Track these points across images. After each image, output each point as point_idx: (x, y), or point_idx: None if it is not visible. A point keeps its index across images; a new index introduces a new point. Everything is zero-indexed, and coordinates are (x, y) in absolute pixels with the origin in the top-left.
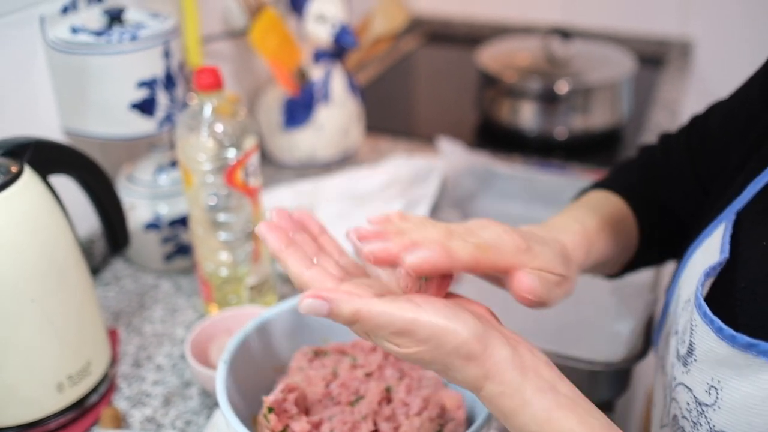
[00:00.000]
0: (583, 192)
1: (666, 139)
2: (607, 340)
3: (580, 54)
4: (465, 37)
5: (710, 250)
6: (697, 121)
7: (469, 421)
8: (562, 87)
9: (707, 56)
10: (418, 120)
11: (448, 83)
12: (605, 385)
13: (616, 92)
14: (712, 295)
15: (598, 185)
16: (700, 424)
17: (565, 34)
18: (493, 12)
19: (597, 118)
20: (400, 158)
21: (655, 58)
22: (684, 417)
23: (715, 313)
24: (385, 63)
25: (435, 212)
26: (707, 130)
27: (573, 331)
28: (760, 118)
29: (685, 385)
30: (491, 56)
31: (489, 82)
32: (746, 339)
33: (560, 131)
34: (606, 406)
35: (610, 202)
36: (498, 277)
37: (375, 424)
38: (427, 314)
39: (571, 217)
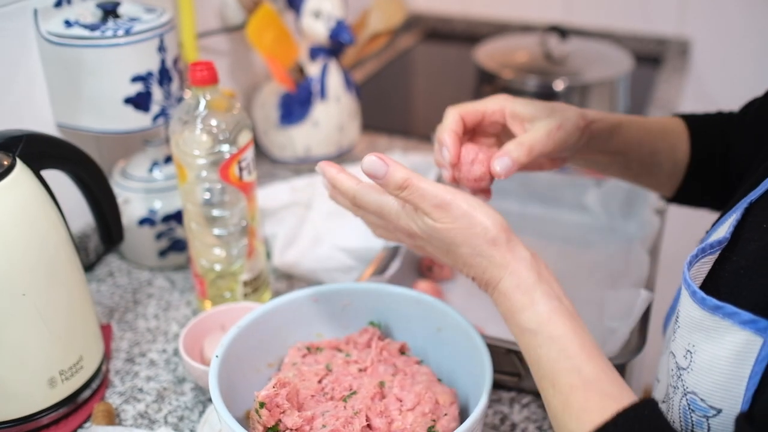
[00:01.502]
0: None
1: (750, 104)
2: (602, 337)
3: (577, 52)
4: (463, 34)
5: (718, 235)
6: (749, 105)
7: (463, 416)
8: (560, 85)
9: (704, 56)
10: (415, 117)
11: (446, 81)
12: None
13: (613, 90)
14: (712, 271)
15: (679, 114)
16: (677, 388)
17: (562, 32)
18: (491, 10)
19: None
20: (396, 155)
21: (652, 57)
22: (670, 384)
23: (708, 286)
24: (382, 60)
25: None
26: (745, 119)
27: None
28: None
29: (672, 352)
30: (489, 54)
31: (486, 79)
32: (714, 301)
33: None
34: None
35: (664, 118)
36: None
37: (368, 419)
38: (464, 199)
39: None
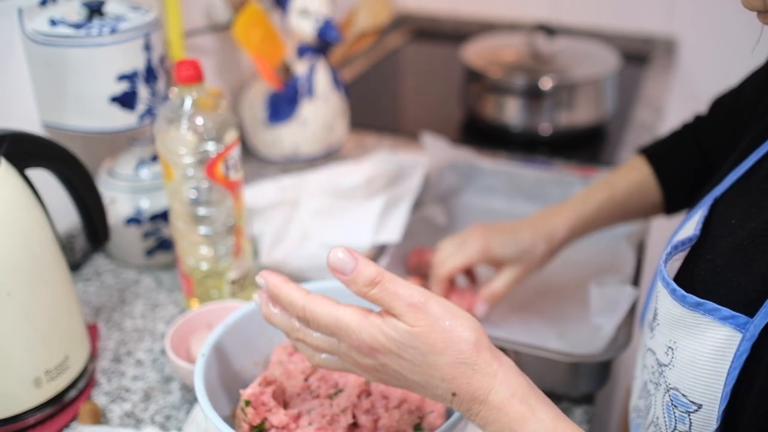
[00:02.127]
0: (639, 151)
1: (715, 102)
2: (588, 334)
3: (564, 50)
4: (451, 33)
5: (688, 229)
6: (714, 104)
7: (449, 412)
8: (547, 83)
9: (692, 54)
10: (403, 116)
11: (434, 79)
12: (586, 377)
13: (601, 89)
14: (684, 267)
15: (645, 149)
16: (660, 385)
17: (550, 30)
18: (479, 9)
19: (581, 114)
20: (383, 154)
21: (639, 56)
22: (650, 381)
23: (681, 283)
24: (371, 59)
25: (418, 207)
26: (717, 116)
27: (555, 325)
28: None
29: (651, 350)
30: (476, 52)
31: (474, 78)
32: (694, 299)
33: (544, 127)
34: (587, 399)
35: (631, 173)
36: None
37: (354, 416)
38: (438, 299)
39: (580, 196)
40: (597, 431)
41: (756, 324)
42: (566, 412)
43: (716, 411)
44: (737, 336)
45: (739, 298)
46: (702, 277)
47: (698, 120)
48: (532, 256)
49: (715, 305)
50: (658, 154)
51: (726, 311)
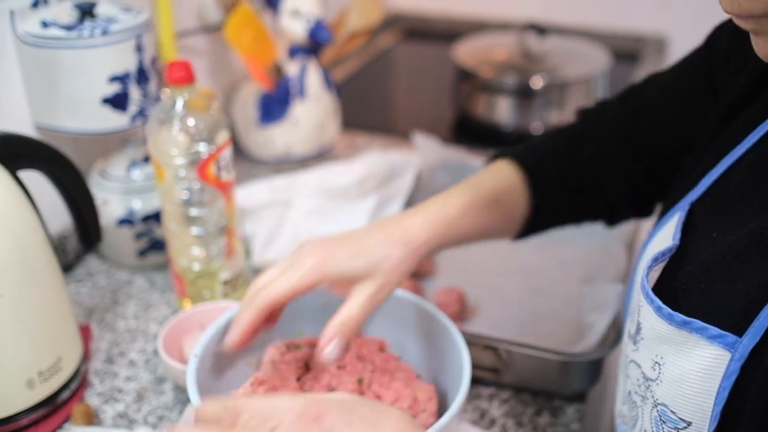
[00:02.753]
0: (492, 157)
1: (602, 105)
2: (579, 332)
3: (555, 50)
4: (442, 33)
5: (665, 237)
6: (632, 92)
7: (441, 411)
8: (538, 82)
9: (682, 53)
10: (395, 116)
11: (425, 79)
12: (577, 376)
13: (591, 87)
14: (663, 278)
15: (507, 153)
16: (647, 398)
17: (540, 29)
18: (470, 8)
19: (572, 113)
20: (375, 154)
21: (630, 54)
22: (636, 392)
23: (662, 295)
24: (362, 59)
25: (410, 207)
26: (642, 103)
27: (546, 324)
28: (706, 99)
29: (635, 362)
30: (467, 52)
31: (465, 77)
32: (681, 317)
33: (536, 126)
34: (578, 398)
35: (496, 177)
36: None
37: None
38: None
39: (441, 197)
40: (589, 429)
41: (744, 344)
42: (558, 410)
43: (706, 430)
44: (726, 355)
45: (726, 316)
46: (684, 291)
47: (583, 127)
48: (387, 266)
49: (702, 324)
50: (528, 159)
51: (714, 330)
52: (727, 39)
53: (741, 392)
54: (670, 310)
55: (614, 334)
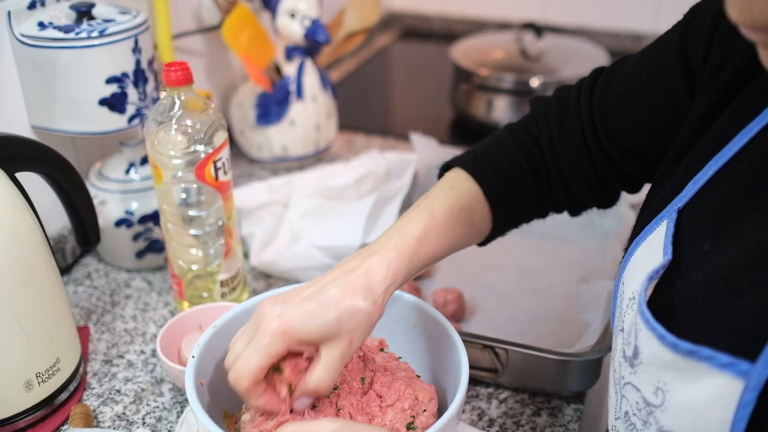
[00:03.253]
0: (444, 169)
1: (563, 96)
2: (577, 332)
3: (553, 49)
4: (440, 32)
5: (652, 247)
6: (599, 82)
7: (441, 411)
8: (536, 82)
9: None
10: (392, 116)
11: (423, 79)
12: (576, 376)
13: None
14: (655, 295)
15: (460, 161)
16: (650, 423)
17: (538, 29)
18: (468, 8)
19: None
20: (373, 154)
21: (628, 53)
22: (635, 414)
23: (657, 314)
24: (360, 59)
25: (408, 207)
26: (611, 96)
27: (544, 324)
28: (681, 93)
29: (634, 385)
30: (465, 52)
31: (463, 77)
32: (687, 346)
33: None
34: (577, 398)
35: (453, 193)
36: None
37: (349, 415)
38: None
39: (396, 228)
40: (588, 429)
41: (759, 372)
42: (556, 410)
43: None
44: (739, 384)
45: (734, 339)
46: (681, 311)
47: (531, 122)
48: (353, 324)
49: (711, 351)
50: (482, 169)
51: (724, 357)
52: (705, 34)
53: (759, 420)
54: (674, 339)
55: (612, 334)
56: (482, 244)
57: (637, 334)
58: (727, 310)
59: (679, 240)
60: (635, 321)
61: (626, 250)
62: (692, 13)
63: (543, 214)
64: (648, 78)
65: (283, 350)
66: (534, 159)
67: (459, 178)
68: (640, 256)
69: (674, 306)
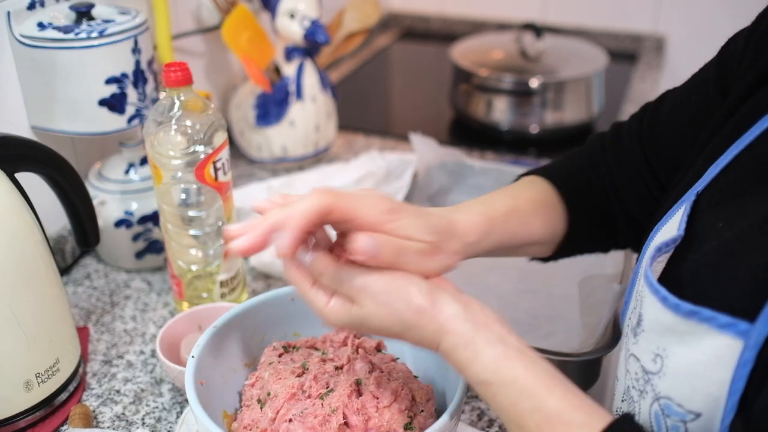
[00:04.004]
0: (519, 177)
1: (617, 126)
2: (577, 332)
3: (552, 49)
4: (439, 33)
5: (670, 229)
6: (648, 109)
7: (439, 412)
8: (535, 82)
9: (679, 52)
10: (392, 116)
11: (423, 79)
12: (575, 375)
13: (589, 87)
14: (667, 270)
15: (535, 171)
16: (646, 392)
17: (537, 30)
18: (467, 9)
19: (569, 113)
20: (373, 154)
21: (627, 54)
22: (633, 387)
23: (666, 286)
24: (359, 59)
25: None
26: (659, 117)
27: (544, 324)
28: (715, 102)
29: (635, 356)
30: (464, 52)
31: (462, 77)
32: (689, 306)
33: (533, 126)
34: None
35: (534, 187)
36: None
37: (345, 417)
38: (379, 272)
39: (481, 200)
40: None
41: (759, 331)
42: None
43: (718, 420)
44: (738, 344)
45: (733, 301)
46: (687, 279)
47: (608, 140)
48: (448, 248)
49: (712, 312)
50: (558, 176)
51: (724, 318)
52: (742, 41)
53: (757, 380)
54: (677, 300)
55: (612, 334)
56: (549, 257)
57: (642, 301)
58: (728, 274)
59: (694, 220)
60: (641, 289)
61: (647, 236)
62: (734, 37)
63: (609, 241)
64: (689, 96)
65: (379, 222)
66: (599, 185)
67: (536, 179)
68: (659, 239)
69: (682, 276)
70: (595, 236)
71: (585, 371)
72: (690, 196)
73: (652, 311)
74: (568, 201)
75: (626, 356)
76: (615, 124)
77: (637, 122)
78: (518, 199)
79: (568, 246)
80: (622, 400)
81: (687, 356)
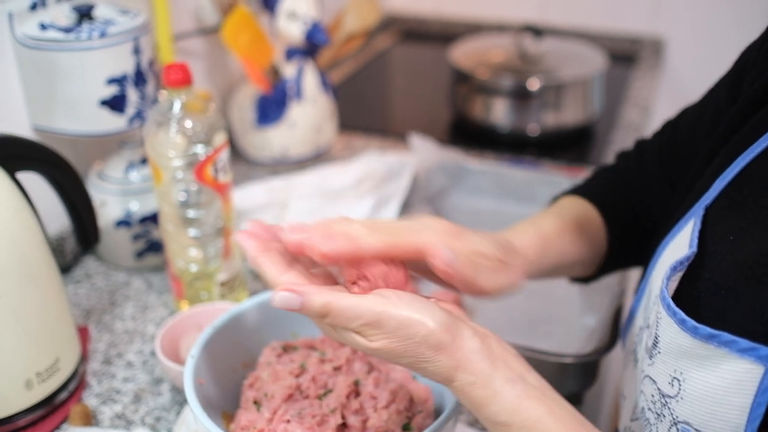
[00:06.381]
0: (555, 199)
1: (641, 144)
2: (575, 334)
3: (552, 51)
4: (438, 34)
5: (680, 245)
6: (668, 126)
7: (437, 412)
8: (534, 84)
9: (679, 54)
10: (391, 117)
11: (422, 81)
12: (573, 377)
13: (588, 89)
14: (681, 288)
15: (571, 191)
16: (664, 416)
17: (537, 31)
18: (466, 10)
19: (569, 114)
20: (372, 155)
21: (627, 56)
22: (649, 409)
23: (681, 306)
24: (359, 61)
25: (406, 208)
26: (677, 134)
27: (542, 326)
28: (726, 114)
29: (650, 377)
30: (464, 54)
31: (462, 79)
32: (708, 330)
33: (532, 128)
34: (575, 399)
35: (576, 207)
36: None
37: (343, 417)
38: (396, 306)
39: (529, 221)
40: None
41: None
42: None
43: None
44: (758, 369)
45: (754, 326)
46: (706, 300)
47: (636, 155)
48: (515, 263)
49: (731, 337)
50: (596, 195)
51: (744, 343)
52: (754, 54)
53: None
54: (695, 323)
55: (610, 335)
56: (591, 276)
57: (658, 322)
58: (749, 297)
59: (705, 234)
60: (657, 310)
61: (654, 250)
62: (746, 50)
63: (644, 248)
64: (704, 112)
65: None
66: (627, 193)
67: (575, 199)
68: (668, 256)
69: (698, 296)
70: (633, 253)
71: (583, 373)
72: (698, 211)
73: (668, 333)
74: (607, 219)
75: (641, 377)
76: (638, 141)
77: (657, 140)
78: (564, 218)
79: (608, 264)
80: (632, 420)
81: (705, 381)
